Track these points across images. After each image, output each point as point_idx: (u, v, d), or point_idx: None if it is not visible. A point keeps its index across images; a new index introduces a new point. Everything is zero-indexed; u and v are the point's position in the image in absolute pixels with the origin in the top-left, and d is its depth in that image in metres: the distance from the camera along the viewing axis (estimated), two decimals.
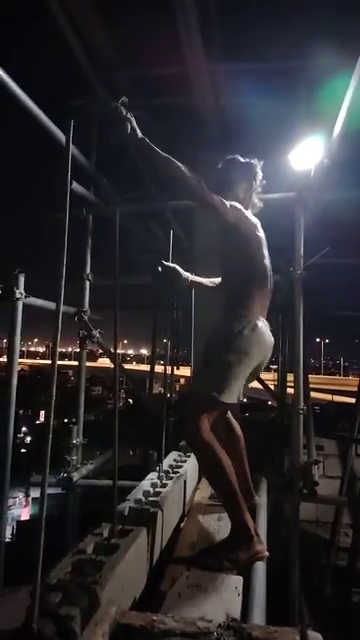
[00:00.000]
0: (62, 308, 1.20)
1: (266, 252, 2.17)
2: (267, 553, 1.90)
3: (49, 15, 3.04)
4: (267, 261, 2.16)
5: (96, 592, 1.21)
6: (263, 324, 2.04)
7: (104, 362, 24.49)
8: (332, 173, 3.17)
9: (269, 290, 2.16)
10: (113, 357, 1.83)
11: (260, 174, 2.28)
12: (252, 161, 2.28)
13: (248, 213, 2.16)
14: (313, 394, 4.48)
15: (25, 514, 18.74)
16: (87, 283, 3.79)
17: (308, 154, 3.17)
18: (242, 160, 2.28)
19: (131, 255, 5.86)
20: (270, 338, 2.09)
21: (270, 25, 3.37)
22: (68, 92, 3.81)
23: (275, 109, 3.77)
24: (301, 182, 3.24)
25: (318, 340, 60.22)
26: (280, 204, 2.19)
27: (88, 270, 3.83)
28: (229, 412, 2.34)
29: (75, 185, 3.42)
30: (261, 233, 2.16)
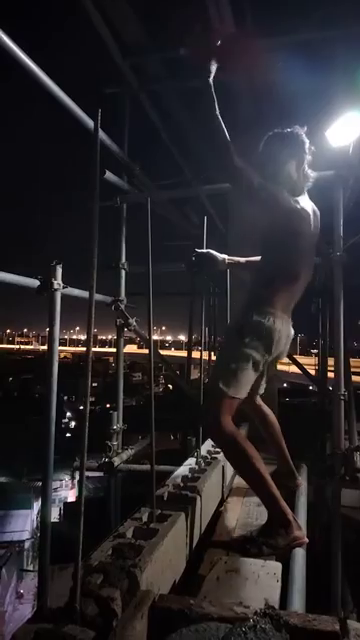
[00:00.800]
0: (97, 297, 1.22)
1: (307, 245, 2.03)
2: (307, 540, 1.88)
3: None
4: (306, 256, 2.03)
5: (136, 575, 1.24)
6: (283, 322, 1.95)
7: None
8: None
9: (300, 286, 2.03)
10: (149, 344, 1.84)
11: (307, 142, 2.06)
12: (294, 131, 2.06)
13: (291, 199, 1.97)
14: (356, 378, 4.36)
15: (72, 496, 19.48)
16: (123, 272, 3.81)
17: (347, 130, 3.03)
18: (283, 133, 2.07)
19: (167, 242, 5.85)
20: (288, 334, 2.01)
21: None
22: (99, 79, 3.80)
23: (311, 84, 3.61)
24: (340, 159, 3.11)
25: None
26: (317, 183, 2.09)
27: (123, 259, 3.83)
28: (258, 398, 2.31)
29: (108, 174, 3.42)
30: (306, 224, 1.99)
